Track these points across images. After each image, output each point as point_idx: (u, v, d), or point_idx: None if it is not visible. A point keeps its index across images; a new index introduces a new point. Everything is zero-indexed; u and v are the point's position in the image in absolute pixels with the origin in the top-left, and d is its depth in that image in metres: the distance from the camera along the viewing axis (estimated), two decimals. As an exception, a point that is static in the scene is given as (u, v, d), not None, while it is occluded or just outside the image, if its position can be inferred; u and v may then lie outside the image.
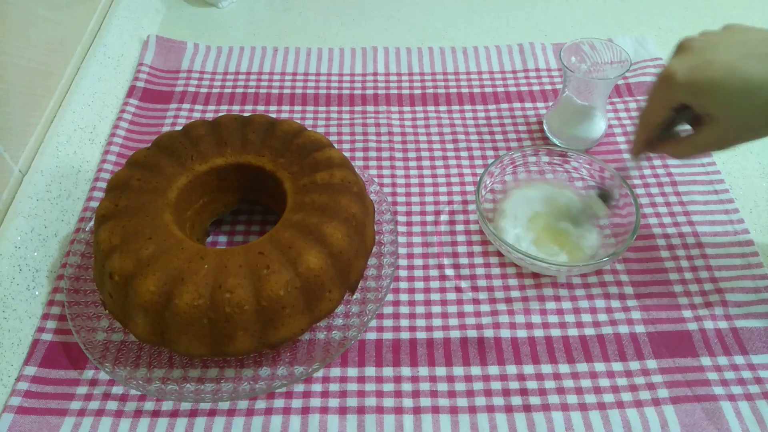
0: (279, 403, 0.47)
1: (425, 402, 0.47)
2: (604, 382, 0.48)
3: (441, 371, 0.48)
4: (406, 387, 0.48)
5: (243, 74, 0.73)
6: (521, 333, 0.51)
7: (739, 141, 0.45)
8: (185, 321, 0.42)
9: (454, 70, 0.74)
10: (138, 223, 0.46)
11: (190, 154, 0.52)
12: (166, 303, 0.42)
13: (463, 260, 0.56)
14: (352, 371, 0.49)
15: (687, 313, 0.52)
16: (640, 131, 0.49)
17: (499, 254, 0.56)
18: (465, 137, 0.66)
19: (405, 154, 0.65)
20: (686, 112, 0.46)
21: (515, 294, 0.53)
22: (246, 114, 0.59)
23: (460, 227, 0.58)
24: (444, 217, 0.59)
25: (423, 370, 0.49)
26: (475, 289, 0.53)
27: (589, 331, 0.51)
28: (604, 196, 0.54)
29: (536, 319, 0.51)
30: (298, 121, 0.61)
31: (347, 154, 0.61)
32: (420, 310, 0.52)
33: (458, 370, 0.48)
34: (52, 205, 0.55)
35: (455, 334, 0.50)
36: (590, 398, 0.47)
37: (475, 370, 0.48)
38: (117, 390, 0.47)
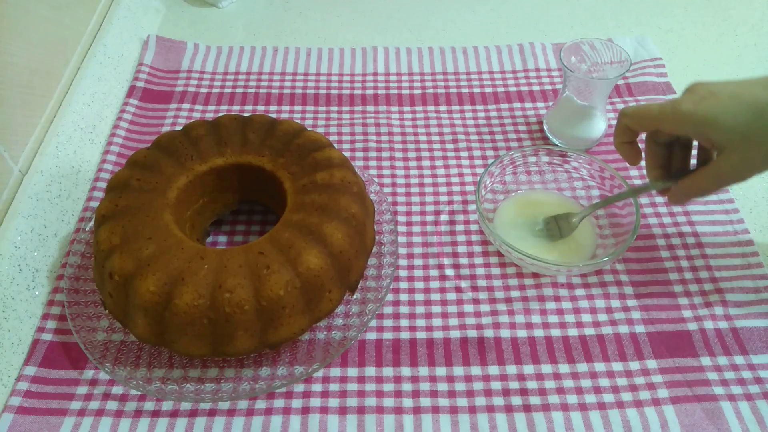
0: (279, 403, 0.47)
1: (425, 402, 0.47)
2: (604, 382, 0.48)
3: (441, 371, 0.48)
4: (406, 387, 0.48)
5: (243, 74, 0.73)
6: (521, 333, 0.51)
7: (755, 170, 0.43)
8: (185, 321, 0.42)
9: (454, 70, 0.74)
10: (138, 223, 0.46)
11: (190, 154, 0.52)
12: (166, 303, 0.42)
13: (463, 260, 0.56)
14: (352, 371, 0.49)
15: (687, 313, 0.52)
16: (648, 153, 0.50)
17: (499, 254, 0.56)
18: (465, 137, 0.66)
19: (405, 154, 0.65)
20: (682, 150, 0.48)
21: (515, 294, 0.53)
22: (246, 114, 0.59)
23: (460, 227, 0.58)
24: (444, 217, 0.59)
25: (423, 370, 0.49)
26: (475, 289, 0.54)
27: (589, 331, 0.51)
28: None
29: (536, 319, 0.51)
30: (298, 121, 0.61)
31: (347, 154, 0.62)
32: (420, 310, 0.52)
33: (458, 370, 0.48)
34: (52, 205, 0.55)
35: (455, 334, 0.50)
36: (590, 398, 0.47)
37: (475, 370, 0.48)
38: (117, 390, 0.47)
